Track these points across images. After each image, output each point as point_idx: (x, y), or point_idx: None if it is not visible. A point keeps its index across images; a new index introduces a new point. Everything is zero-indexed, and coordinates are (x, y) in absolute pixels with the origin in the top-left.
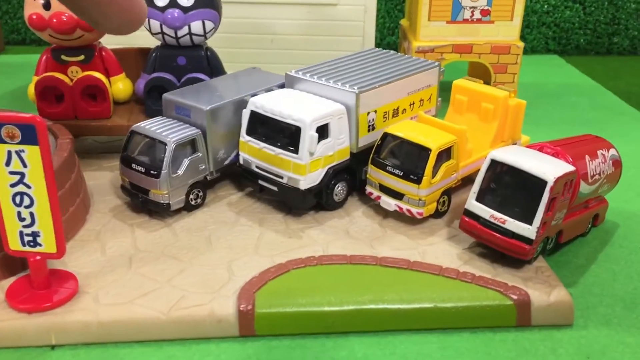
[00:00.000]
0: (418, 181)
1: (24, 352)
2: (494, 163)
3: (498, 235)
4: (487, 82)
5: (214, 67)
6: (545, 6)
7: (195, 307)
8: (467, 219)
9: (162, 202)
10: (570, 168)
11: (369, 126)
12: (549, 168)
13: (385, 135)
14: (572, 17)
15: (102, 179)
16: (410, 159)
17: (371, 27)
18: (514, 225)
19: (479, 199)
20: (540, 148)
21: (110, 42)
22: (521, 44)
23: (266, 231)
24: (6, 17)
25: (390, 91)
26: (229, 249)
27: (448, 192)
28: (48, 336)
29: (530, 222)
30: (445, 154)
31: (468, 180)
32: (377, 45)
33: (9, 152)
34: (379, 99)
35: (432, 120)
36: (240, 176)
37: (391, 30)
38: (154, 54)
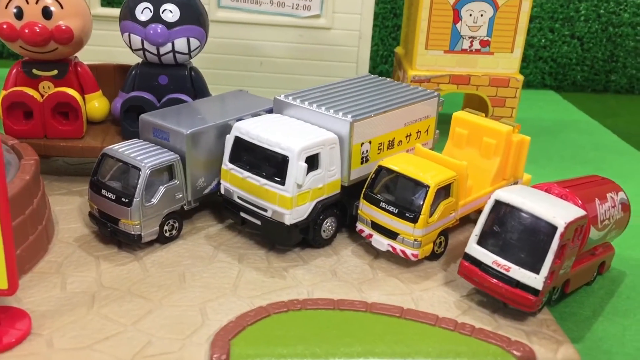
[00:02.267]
0: (414, 220)
1: None
2: (499, 204)
3: (501, 283)
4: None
5: (197, 88)
6: (543, 40)
7: (163, 356)
8: (467, 264)
9: (132, 233)
10: (581, 212)
11: (362, 158)
12: (560, 212)
13: (380, 169)
14: (569, 52)
15: (70, 204)
16: (406, 196)
17: (366, 53)
18: (519, 273)
19: (481, 242)
20: (548, 189)
21: (88, 57)
22: (521, 77)
23: (246, 269)
24: None
25: (386, 121)
26: (204, 288)
27: (445, 233)
28: None
29: (537, 271)
30: (444, 191)
31: (466, 220)
32: (370, 72)
33: None
34: (374, 129)
35: (430, 153)
36: (221, 207)
37: (384, 59)
38: (133, 72)
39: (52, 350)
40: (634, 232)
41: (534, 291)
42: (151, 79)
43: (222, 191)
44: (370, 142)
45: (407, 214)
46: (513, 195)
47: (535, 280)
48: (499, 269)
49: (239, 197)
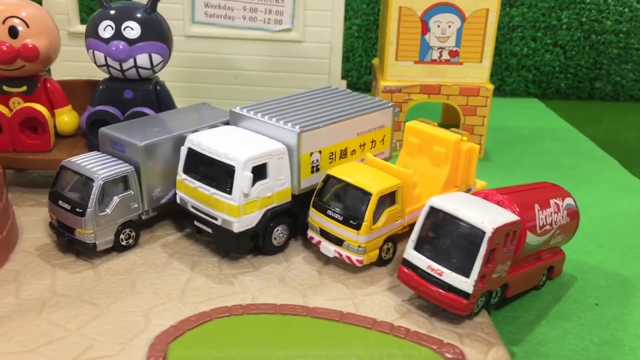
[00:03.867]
0: (357, 227)
1: None
2: (433, 210)
3: (435, 288)
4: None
5: (163, 102)
6: (525, 49)
7: (101, 359)
8: (405, 269)
9: (87, 242)
10: (513, 218)
11: (312, 167)
12: (490, 218)
13: (328, 177)
14: (552, 60)
15: (36, 215)
16: (352, 203)
17: (337, 65)
18: (451, 277)
19: (418, 248)
20: (485, 196)
21: (69, 73)
22: (491, 86)
23: (196, 276)
24: None
25: (337, 131)
26: (152, 294)
27: (393, 239)
28: None
29: (467, 275)
30: (389, 199)
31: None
32: (354, 84)
33: None
34: (324, 139)
35: (378, 162)
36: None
37: (368, 69)
38: (100, 87)
39: None
40: (590, 237)
41: (465, 294)
42: (117, 93)
43: (178, 200)
44: (320, 152)
45: (351, 221)
46: (446, 202)
47: (466, 283)
48: (433, 273)
49: (192, 207)
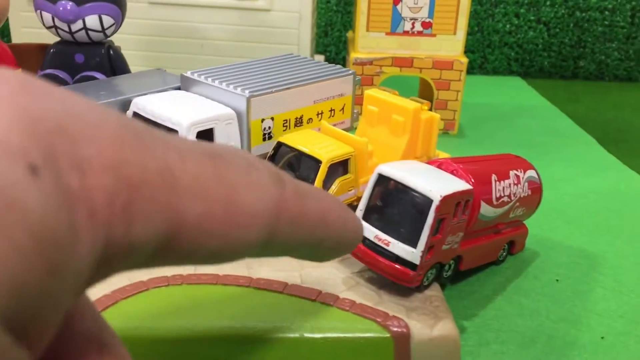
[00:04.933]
0: None
1: None
2: (381, 178)
3: (381, 258)
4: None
5: (116, 67)
6: (508, 26)
7: None
8: None
9: None
10: (464, 187)
11: (264, 135)
12: (438, 186)
13: (279, 145)
14: (535, 38)
15: None
16: (302, 172)
17: (306, 34)
18: (398, 247)
19: (365, 217)
20: (440, 165)
21: (19, 40)
22: (465, 60)
23: None
24: None
25: (291, 98)
26: None
27: None
28: None
29: (414, 245)
30: (342, 168)
31: None
32: (332, 59)
33: None
34: (276, 105)
35: (334, 131)
36: None
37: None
38: (51, 50)
39: None
40: (557, 213)
41: (412, 266)
42: (67, 57)
43: None
44: (272, 119)
45: None
46: (395, 170)
47: (413, 254)
48: (379, 243)
49: None
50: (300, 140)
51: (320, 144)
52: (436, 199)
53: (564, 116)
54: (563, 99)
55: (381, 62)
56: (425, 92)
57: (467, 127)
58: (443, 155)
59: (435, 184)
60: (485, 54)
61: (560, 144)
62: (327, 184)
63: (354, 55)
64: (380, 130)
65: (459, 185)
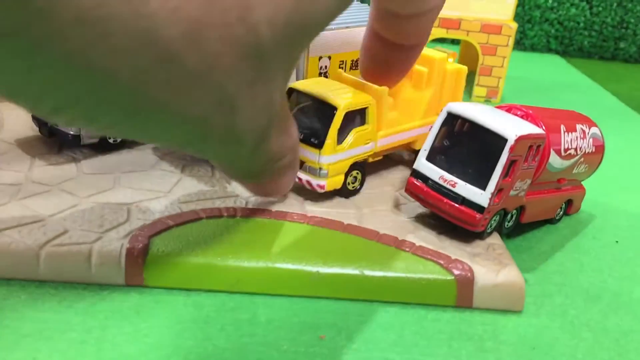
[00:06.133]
0: (319, 145)
1: None
2: (450, 117)
3: (446, 200)
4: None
5: None
6: (550, 1)
7: (74, 246)
8: (414, 181)
9: (71, 132)
10: (538, 130)
11: (320, 73)
12: (513, 126)
13: (291, 91)
14: (577, 15)
15: (19, 109)
16: (316, 120)
17: None
18: (464, 189)
19: (430, 158)
20: (509, 109)
21: None
22: (514, 25)
23: (187, 178)
24: None
25: (350, 38)
26: (137, 190)
27: (362, 167)
28: None
29: (483, 187)
30: (359, 117)
31: (399, 161)
32: None
33: None
34: (335, 44)
35: (350, 79)
36: None
37: None
38: None
39: None
40: (610, 179)
41: (480, 208)
42: None
43: None
44: (329, 58)
45: (312, 139)
46: (466, 108)
47: (481, 196)
48: (445, 184)
49: None
50: (315, 86)
51: (337, 90)
52: (511, 138)
53: (607, 93)
54: (604, 78)
55: None
56: (466, 59)
57: (509, 97)
58: None
59: (509, 124)
60: (525, 30)
61: (606, 117)
62: (341, 133)
63: None
64: (401, 83)
65: (532, 128)
